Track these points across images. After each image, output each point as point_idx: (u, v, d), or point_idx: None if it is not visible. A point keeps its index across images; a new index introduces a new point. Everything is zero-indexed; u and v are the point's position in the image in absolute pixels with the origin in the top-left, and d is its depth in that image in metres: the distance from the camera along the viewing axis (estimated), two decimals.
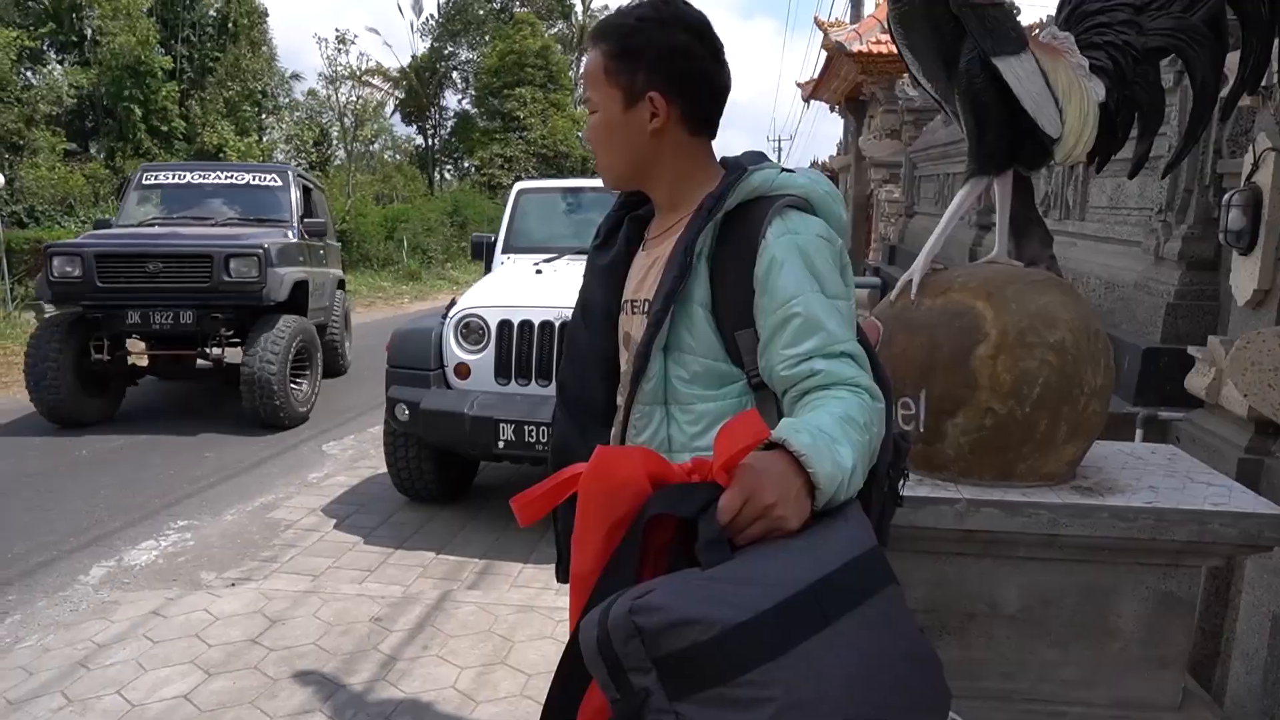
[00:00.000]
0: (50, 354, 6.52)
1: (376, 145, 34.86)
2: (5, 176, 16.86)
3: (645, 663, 0.84)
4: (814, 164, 29.40)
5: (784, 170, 1.31)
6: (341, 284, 9.79)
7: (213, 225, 7.68)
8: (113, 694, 2.90)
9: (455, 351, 4.54)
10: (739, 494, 0.94)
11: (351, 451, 6.32)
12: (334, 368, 9.04)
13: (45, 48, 27.63)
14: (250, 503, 5.08)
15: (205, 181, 8.27)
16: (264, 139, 30.70)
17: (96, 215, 21.86)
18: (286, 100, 33.00)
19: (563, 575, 1.28)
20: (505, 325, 4.49)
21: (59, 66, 27.42)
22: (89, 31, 26.92)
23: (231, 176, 8.34)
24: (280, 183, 8.26)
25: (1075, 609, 1.91)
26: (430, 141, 39.20)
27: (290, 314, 7.16)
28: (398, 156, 36.97)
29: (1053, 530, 1.80)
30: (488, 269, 5.94)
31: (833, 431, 1.06)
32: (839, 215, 1.33)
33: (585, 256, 1.51)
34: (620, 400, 1.40)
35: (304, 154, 32.09)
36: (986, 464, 1.85)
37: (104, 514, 4.82)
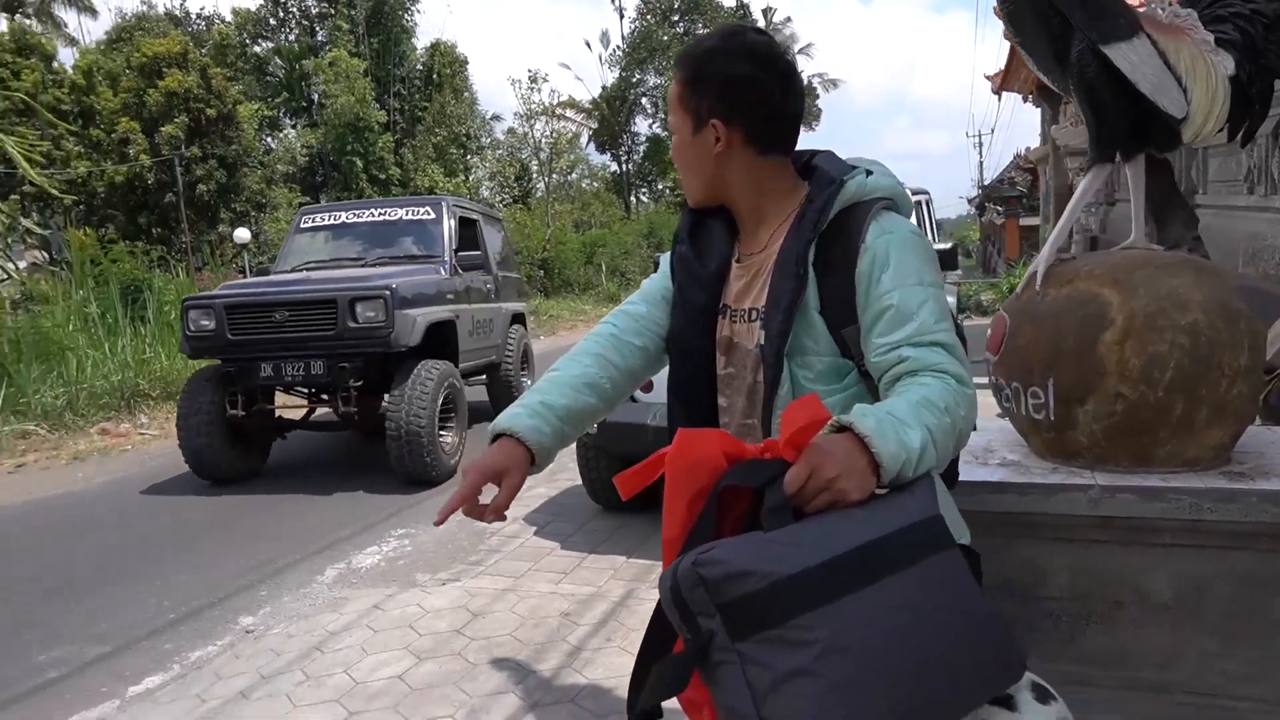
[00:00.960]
0: (200, 408, 6.33)
1: (574, 175, 36.29)
2: (252, 232, 19.04)
3: (710, 608, 0.99)
4: (1016, 156, 27.98)
5: (868, 173, 1.42)
6: (520, 318, 9.13)
7: (360, 266, 7.30)
8: (341, 673, 3.32)
9: None
10: (805, 468, 1.07)
11: (552, 465, 6.70)
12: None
13: (281, 115, 30.84)
14: (460, 513, 5.53)
15: (359, 220, 7.85)
16: (470, 178, 32.77)
17: None
18: (488, 140, 35.10)
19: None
20: None
21: (292, 130, 30.51)
22: (315, 96, 29.79)
23: (385, 213, 7.86)
24: (433, 215, 7.63)
25: (1232, 598, 1.85)
26: (624, 167, 40.45)
27: (434, 358, 6.54)
28: (594, 184, 38.35)
29: (1196, 515, 1.77)
30: None
31: (904, 415, 1.16)
32: (910, 208, 1.44)
33: None
34: (725, 401, 1.50)
35: (507, 189, 33.98)
36: (1122, 450, 1.85)
37: (337, 525, 5.42)
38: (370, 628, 3.75)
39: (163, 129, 22.15)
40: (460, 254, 7.41)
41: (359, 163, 27.51)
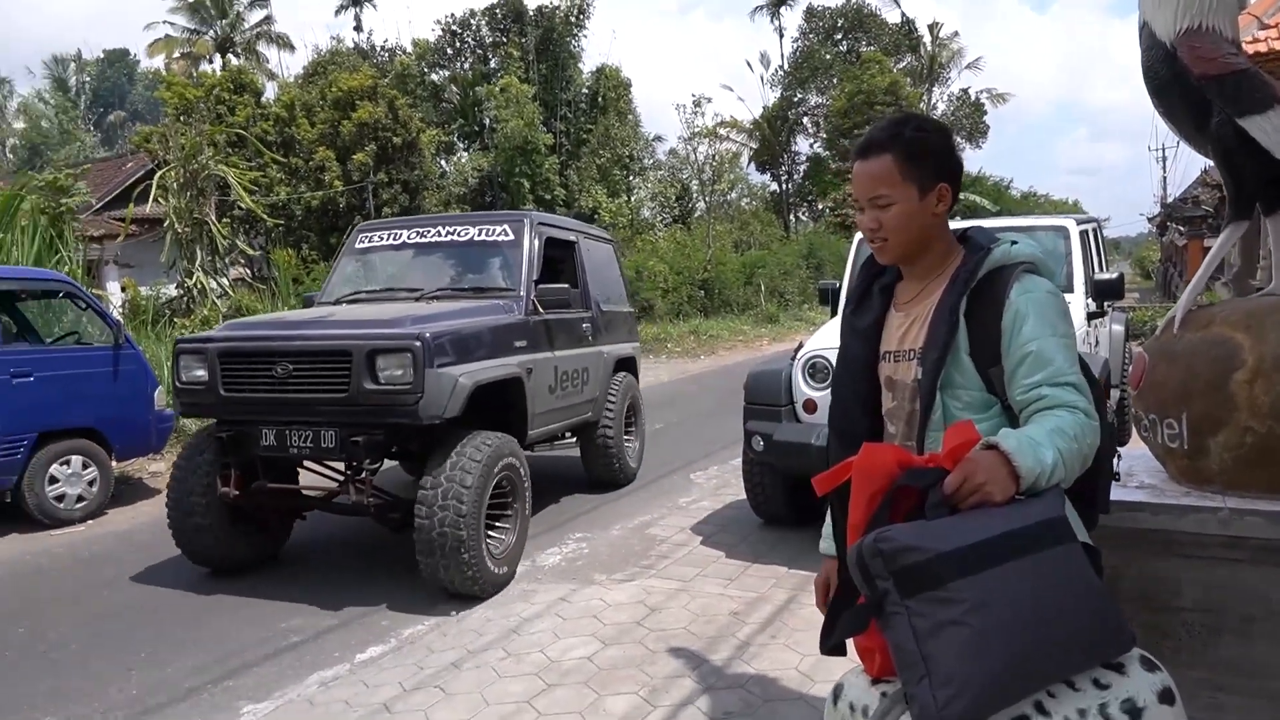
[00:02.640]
0: (196, 480, 4.93)
1: (733, 195, 36.68)
2: None
3: (885, 573, 1.35)
4: (1203, 173, 26.43)
5: (1013, 243, 1.74)
6: (629, 364, 7.33)
7: (413, 300, 5.64)
8: (537, 652, 3.80)
9: (803, 389, 5.09)
10: (960, 475, 1.43)
11: (715, 481, 7.10)
12: (610, 478, 6.83)
13: (455, 139, 32.66)
14: (631, 521, 6.00)
15: (423, 241, 6.19)
16: (632, 199, 33.67)
17: None
18: (650, 161, 35.92)
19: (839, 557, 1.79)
20: None
21: (465, 154, 32.25)
22: (487, 121, 31.40)
23: (454, 232, 6.10)
24: (511, 236, 5.87)
25: None
26: (784, 187, 40.52)
27: (495, 426, 5.01)
28: (754, 203, 38.60)
29: None
30: (833, 312, 6.42)
31: (1039, 439, 1.50)
32: (1051, 270, 1.75)
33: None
34: (892, 428, 1.84)
35: (668, 209, 34.70)
36: (1254, 478, 2.06)
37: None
38: (559, 616, 4.23)
39: (354, 157, 24.02)
40: (543, 286, 5.63)
41: (526, 184, 28.79)
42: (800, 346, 5.30)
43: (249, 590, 4.90)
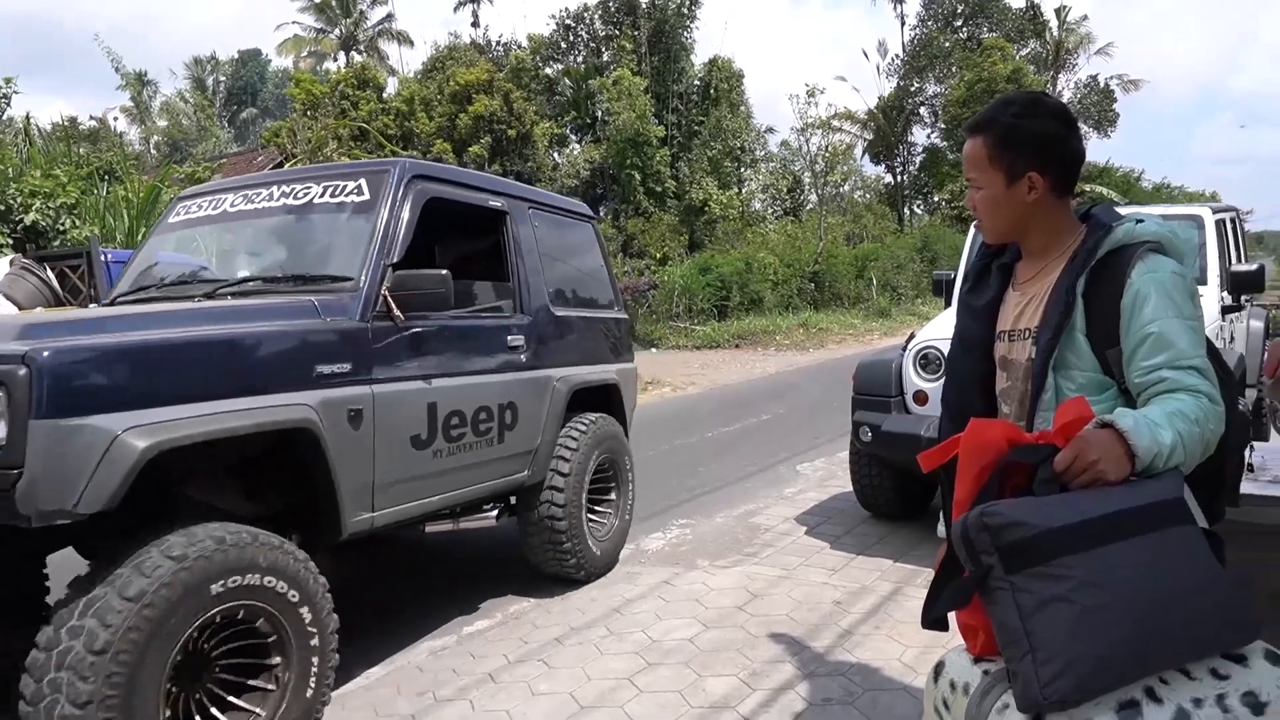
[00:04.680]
0: None
1: (846, 187, 36.07)
2: None
3: (990, 548, 1.33)
4: None
5: (1138, 221, 1.68)
6: (607, 397, 5.03)
7: (185, 301, 3.50)
8: (639, 632, 3.85)
9: (914, 380, 4.99)
10: (1071, 452, 1.40)
11: (821, 472, 7.03)
12: (556, 570, 4.53)
13: (568, 132, 33.09)
14: (735, 509, 6.00)
15: (250, 207, 3.94)
16: (743, 191, 33.48)
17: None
18: (762, 153, 35.62)
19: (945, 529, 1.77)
20: None
21: (577, 146, 32.64)
22: (599, 114, 31.69)
23: (290, 194, 3.86)
24: (364, 196, 3.69)
25: None
26: (899, 179, 39.62)
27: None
28: (867, 196, 37.87)
29: None
30: (947, 304, 6.28)
31: (1158, 419, 1.45)
32: (1183, 250, 1.67)
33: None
34: (1006, 408, 1.81)
35: (779, 201, 34.38)
36: None
37: None
38: (662, 598, 4.28)
39: (470, 149, 24.63)
40: (406, 274, 3.46)
41: (637, 176, 28.94)
42: (912, 337, 5.20)
43: (364, 567, 5.11)
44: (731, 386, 13.36)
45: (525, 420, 4.23)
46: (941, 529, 1.90)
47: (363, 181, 3.75)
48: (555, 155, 31.43)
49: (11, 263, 6.88)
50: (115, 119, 35.11)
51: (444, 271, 3.47)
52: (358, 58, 36.82)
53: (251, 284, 3.68)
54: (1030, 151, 1.69)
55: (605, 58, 32.96)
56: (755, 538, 5.32)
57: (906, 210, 39.72)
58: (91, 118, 30.88)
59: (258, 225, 4.05)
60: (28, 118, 13.77)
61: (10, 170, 9.27)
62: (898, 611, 3.92)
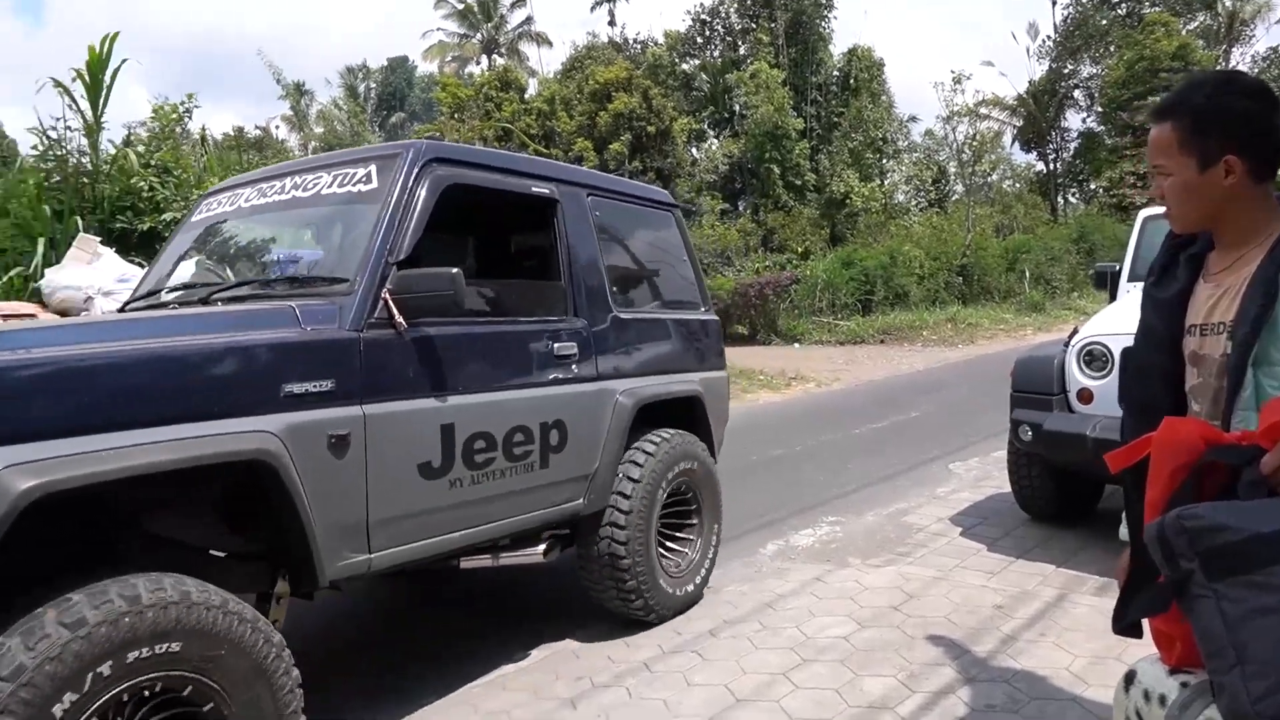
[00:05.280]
0: None
1: (994, 176, 34.71)
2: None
3: (1189, 552, 1.28)
4: None
5: None
6: (690, 411, 4.39)
7: (172, 309, 3.27)
8: (792, 628, 3.85)
9: (1078, 377, 4.77)
10: None
11: (975, 472, 6.82)
12: (621, 610, 3.97)
13: (706, 127, 33.07)
14: (886, 508, 5.89)
15: (265, 201, 3.54)
16: (885, 182, 32.68)
17: (747, 264, 25.70)
18: (905, 144, 34.66)
19: (1130, 535, 1.70)
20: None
21: (715, 141, 32.58)
22: (737, 107, 31.52)
23: (302, 185, 3.43)
24: (373, 184, 3.20)
25: None
26: (1051, 166, 37.80)
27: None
28: (1017, 185, 36.32)
29: None
30: (1112, 297, 5.98)
31: None
32: None
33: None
34: (1196, 406, 1.71)
35: (923, 193, 33.41)
36: None
37: (774, 506, 6.04)
38: (814, 595, 4.25)
39: (610, 146, 24.97)
40: (411, 274, 2.96)
41: (776, 170, 28.67)
42: (1075, 332, 4.97)
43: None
44: (878, 382, 13.09)
45: (578, 440, 3.64)
46: (1124, 532, 1.83)
47: (372, 168, 3.26)
48: (693, 151, 31.49)
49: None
50: (276, 127, 37.30)
51: (453, 270, 2.91)
52: (499, 60, 37.92)
53: (246, 288, 3.25)
54: (1227, 133, 1.60)
55: (742, 51, 32.79)
56: (908, 537, 5.21)
57: (1060, 199, 37.83)
58: (256, 127, 32.94)
59: (266, 221, 3.70)
60: (204, 129, 14.83)
61: (191, 178, 9.95)
62: (1064, 619, 3.77)
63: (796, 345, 18.91)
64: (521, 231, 4.64)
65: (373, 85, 46.20)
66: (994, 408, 7.86)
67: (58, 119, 9.44)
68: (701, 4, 32.82)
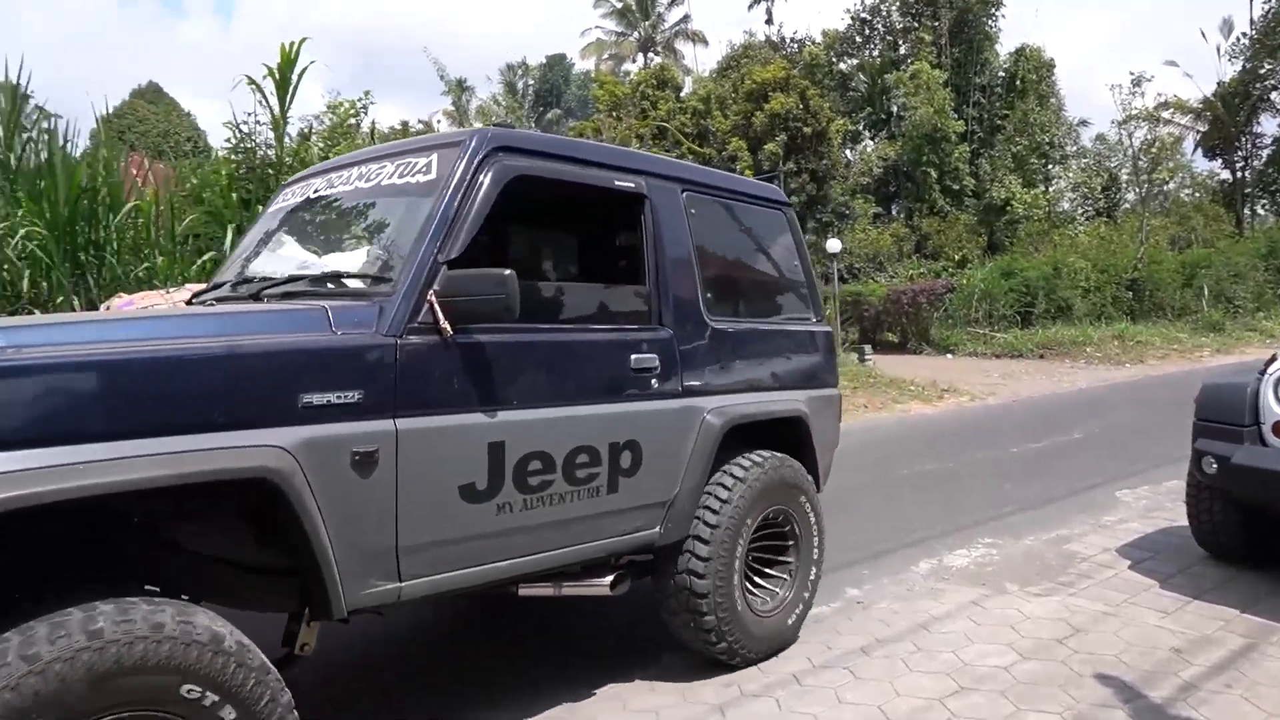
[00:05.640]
0: None
1: (1171, 184, 32.59)
2: (842, 242, 20.56)
3: None
4: None
5: None
6: (792, 432, 4.00)
7: (245, 300, 3.10)
8: (948, 652, 3.73)
9: (1274, 408, 4.41)
10: None
11: (1146, 501, 6.42)
12: (701, 647, 3.60)
13: (862, 128, 32.39)
14: (1047, 533, 5.62)
15: (330, 191, 3.39)
16: (1050, 189, 31.19)
17: (899, 270, 25.00)
18: (1073, 149, 32.98)
19: None
20: None
21: (870, 142, 31.87)
22: (895, 109, 30.72)
23: (364, 175, 3.24)
24: (430, 175, 2.95)
25: None
26: (1239, 175, 35.13)
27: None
28: (1196, 195, 34.00)
29: None
30: None
31: None
32: None
33: None
34: None
35: (1091, 201, 31.73)
36: None
37: (928, 523, 5.88)
38: (972, 620, 4.11)
39: (765, 147, 24.80)
40: (461, 274, 2.69)
41: (933, 173, 27.83)
42: (1274, 359, 4.61)
43: None
44: (1037, 399, 12.53)
45: (655, 463, 3.29)
46: None
47: (434, 157, 3.00)
48: (847, 153, 30.90)
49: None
50: (438, 122, 38.73)
51: (505, 271, 2.63)
52: (655, 58, 38.24)
53: (298, 284, 3.00)
54: None
55: (902, 50, 31.97)
56: (1070, 566, 4.96)
57: (1247, 211, 35.14)
58: (419, 121, 34.32)
59: (329, 212, 3.44)
60: (373, 123, 15.55)
61: None
62: (1253, 670, 3.49)
63: (949, 356, 18.33)
64: (602, 229, 4.32)
65: (531, 82, 47.39)
66: (1166, 434, 7.42)
67: (249, 114, 10.14)
68: (862, 2, 32.23)
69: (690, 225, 3.64)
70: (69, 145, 8.33)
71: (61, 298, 6.76)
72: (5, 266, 7.27)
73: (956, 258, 24.90)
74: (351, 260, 3.07)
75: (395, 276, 2.70)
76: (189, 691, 2.01)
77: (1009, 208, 27.35)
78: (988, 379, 14.36)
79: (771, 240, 4.27)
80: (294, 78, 9.87)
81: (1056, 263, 21.97)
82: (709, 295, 3.66)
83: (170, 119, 32.95)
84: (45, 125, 8.39)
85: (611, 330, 3.31)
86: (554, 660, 3.88)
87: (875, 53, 33.02)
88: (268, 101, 9.91)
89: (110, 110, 16.80)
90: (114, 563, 2.42)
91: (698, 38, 40.79)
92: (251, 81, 9.79)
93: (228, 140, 10.30)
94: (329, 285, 2.90)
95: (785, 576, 3.87)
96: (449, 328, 2.61)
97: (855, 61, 33.38)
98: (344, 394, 2.42)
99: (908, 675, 3.53)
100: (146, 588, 2.26)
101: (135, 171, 9.51)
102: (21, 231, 7.25)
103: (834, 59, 32.93)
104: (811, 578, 3.96)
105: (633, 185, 3.43)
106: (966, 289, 20.76)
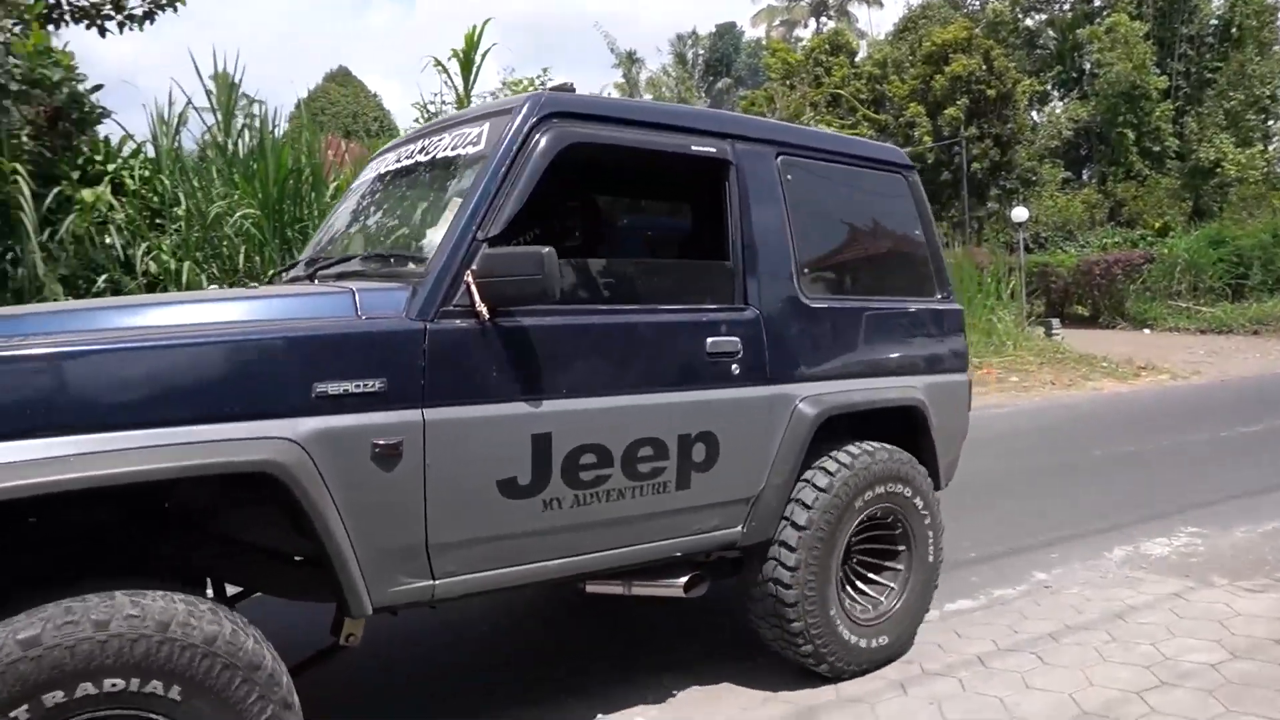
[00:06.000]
0: None
1: None
2: (1029, 210, 19.51)
3: None
4: None
5: None
6: (907, 421, 3.59)
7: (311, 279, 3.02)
8: (1146, 645, 3.53)
9: None
10: None
11: None
12: (792, 654, 3.27)
13: (1050, 88, 30.46)
14: (1261, 525, 5.19)
15: (399, 166, 3.23)
16: (1269, 148, 28.39)
17: (1091, 239, 23.46)
18: None
19: None
20: None
21: (1059, 104, 29.94)
22: (1087, 66, 28.70)
23: (423, 150, 3.09)
24: (479, 147, 2.74)
25: None
26: None
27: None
28: None
29: None
30: None
31: None
32: None
33: None
34: None
35: None
36: None
37: (1121, 507, 5.57)
38: (1174, 613, 3.86)
39: (945, 111, 23.80)
40: (498, 253, 2.48)
41: (1130, 135, 25.91)
42: None
43: None
44: (1249, 379, 11.54)
45: (736, 457, 2.99)
46: None
47: (485, 126, 2.78)
48: (1034, 115, 29.19)
49: None
50: (610, 94, 39.32)
51: (544, 249, 2.39)
52: (829, 23, 37.26)
53: (349, 264, 2.88)
54: None
55: (1097, 2, 29.78)
56: None
57: None
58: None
59: (392, 187, 3.27)
60: None
61: None
62: None
63: (1146, 330, 17.17)
64: (680, 198, 4.04)
65: (701, 51, 47.22)
66: None
67: (435, 94, 10.60)
68: None
69: (785, 193, 3.25)
70: (274, 130, 8.98)
71: (272, 271, 7.31)
72: (225, 243, 7.95)
73: (1156, 225, 23.14)
74: (403, 238, 3.00)
75: (429, 255, 2.53)
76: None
77: (1219, 169, 25.10)
78: (1191, 356, 13.34)
79: (887, 209, 3.78)
80: (477, 58, 10.25)
81: (1276, 229, 20.04)
82: (805, 270, 3.28)
83: (358, 100, 34.82)
84: (255, 112, 9.07)
85: (683, 311, 2.96)
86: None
87: (1066, 6, 30.95)
88: (453, 82, 10.34)
89: (306, 95, 17.92)
90: (137, 553, 2.38)
91: (873, 0, 39.47)
92: (438, 63, 10.24)
93: (415, 120, 10.81)
94: (375, 265, 2.79)
95: (892, 585, 3.47)
96: (487, 311, 2.42)
97: (1044, 16, 31.42)
98: (364, 382, 2.28)
99: (1101, 665, 3.36)
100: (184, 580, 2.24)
101: (332, 153, 10.15)
102: (239, 212, 7.90)
103: (1020, 14, 31.11)
104: (923, 587, 3.54)
105: (714, 150, 3.08)
106: (1168, 259, 19.32)
